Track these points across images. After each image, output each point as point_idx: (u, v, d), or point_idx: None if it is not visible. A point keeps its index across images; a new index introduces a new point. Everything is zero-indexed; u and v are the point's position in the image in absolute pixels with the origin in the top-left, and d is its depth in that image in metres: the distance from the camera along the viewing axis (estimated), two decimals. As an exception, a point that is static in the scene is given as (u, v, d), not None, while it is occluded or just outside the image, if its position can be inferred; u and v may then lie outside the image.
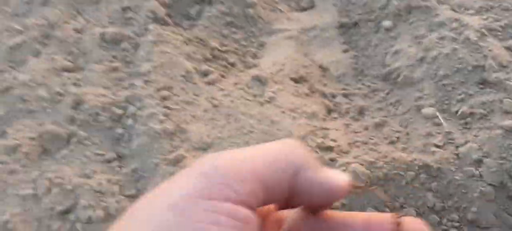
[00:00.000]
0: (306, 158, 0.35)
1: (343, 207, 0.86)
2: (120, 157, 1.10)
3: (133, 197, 1.01)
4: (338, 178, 0.35)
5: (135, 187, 1.03)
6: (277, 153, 0.34)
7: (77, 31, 1.45)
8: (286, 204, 0.37)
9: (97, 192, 1.00)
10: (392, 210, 0.35)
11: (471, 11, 1.24)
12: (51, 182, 1.04)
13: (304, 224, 0.37)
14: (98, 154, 1.11)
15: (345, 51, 1.40)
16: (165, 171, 1.02)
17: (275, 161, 0.33)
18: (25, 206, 1.02)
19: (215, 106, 1.17)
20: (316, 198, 0.35)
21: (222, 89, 1.23)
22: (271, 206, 0.38)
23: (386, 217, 0.36)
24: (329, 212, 0.38)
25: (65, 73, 1.30)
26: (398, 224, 0.34)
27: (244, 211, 0.31)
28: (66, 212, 0.99)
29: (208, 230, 0.30)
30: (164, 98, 1.18)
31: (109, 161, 1.09)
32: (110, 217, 0.98)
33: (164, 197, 0.32)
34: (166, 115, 1.12)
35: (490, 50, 1.07)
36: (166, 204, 0.31)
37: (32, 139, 1.15)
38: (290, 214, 0.38)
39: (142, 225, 0.31)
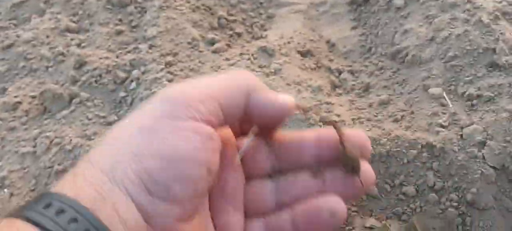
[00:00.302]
0: (256, 83, 0.39)
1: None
2: (121, 120, 1.09)
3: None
4: (285, 98, 0.39)
5: (135, 151, 1.02)
6: (231, 78, 0.38)
7: (83, -8, 1.43)
8: (242, 128, 0.42)
9: (96, 153, 1.00)
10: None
11: (485, -7, 1.21)
12: (51, 141, 1.03)
13: (260, 145, 0.42)
14: (100, 116, 1.10)
15: (354, 28, 1.38)
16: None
17: (229, 85, 0.37)
18: (24, 164, 1.01)
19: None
20: (267, 116, 0.39)
21: (227, 59, 1.21)
22: (230, 134, 0.41)
23: (333, 131, 0.40)
24: (281, 134, 0.42)
25: (69, 34, 1.29)
26: (341, 137, 0.39)
27: (207, 128, 0.35)
28: (65, 171, 0.98)
29: (176, 146, 0.33)
30: (169, 64, 1.17)
31: (110, 124, 1.09)
32: (108, 178, 0.98)
33: (133, 122, 0.35)
34: (170, 81, 1.11)
35: (502, 33, 1.04)
36: (136, 128, 0.34)
37: (33, 97, 1.14)
38: (246, 139, 0.42)
39: (115, 148, 0.34)
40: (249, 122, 0.41)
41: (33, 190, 0.98)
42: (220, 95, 0.36)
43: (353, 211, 0.84)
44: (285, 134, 0.42)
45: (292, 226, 0.39)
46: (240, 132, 0.43)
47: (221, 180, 0.40)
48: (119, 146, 0.34)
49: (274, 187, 0.42)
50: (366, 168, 0.40)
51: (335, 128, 0.40)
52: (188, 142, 0.34)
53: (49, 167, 1.00)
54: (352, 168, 0.39)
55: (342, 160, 0.39)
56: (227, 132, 0.41)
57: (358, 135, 0.40)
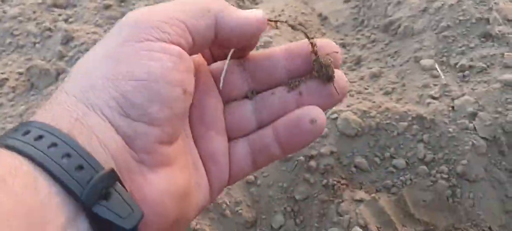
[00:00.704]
0: (224, 3, 0.38)
1: (332, 154, 0.85)
2: (109, 96, 1.08)
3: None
4: (256, 13, 0.39)
5: (123, 126, 1.01)
6: (197, 0, 0.37)
7: (70, -34, 1.40)
8: (213, 55, 0.42)
9: (84, 129, 0.99)
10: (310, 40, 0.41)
11: (479, -38, 1.18)
12: (38, 117, 1.02)
13: (233, 67, 0.42)
14: (87, 92, 1.08)
15: (347, 1, 1.36)
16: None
17: (195, 6, 0.36)
18: (11, 140, 1.00)
19: (208, 49, 1.14)
20: (239, 36, 0.38)
21: (217, 33, 1.19)
22: (201, 60, 0.41)
23: (303, 42, 0.40)
24: (254, 53, 0.42)
25: (56, 9, 1.27)
26: (313, 45, 0.39)
27: (177, 48, 0.34)
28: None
29: (147, 67, 0.33)
30: (157, 38, 1.15)
31: (97, 99, 1.07)
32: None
33: (102, 48, 0.34)
34: (157, 55, 1.09)
35: (495, 3, 1.02)
36: (104, 53, 0.34)
37: (20, 73, 1.12)
38: (221, 64, 0.41)
39: (87, 75, 0.33)
40: (220, 46, 0.40)
41: (20, 167, 0.97)
42: (187, 17, 0.35)
43: (342, 184, 0.83)
44: (256, 53, 0.42)
45: (276, 140, 0.40)
46: (212, 59, 0.43)
47: (199, 106, 0.39)
48: (91, 72, 0.33)
49: (253, 107, 0.42)
50: (339, 75, 0.40)
51: (306, 36, 0.40)
52: (159, 62, 0.33)
53: (36, 144, 0.98)
54: (326, 76, 0.39)
55: (316, 69, 0.39)
56: (198, 57, 0.41)
57: (328, 44, 0.40)
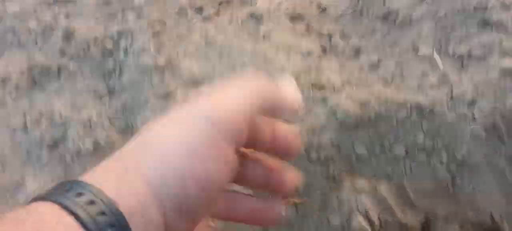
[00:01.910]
0: (269, 89, 0.41)
1: (332, 144, 0.85)
2: (110, 91, 1.09)
3: (123, 131, 1.01)
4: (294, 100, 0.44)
5: (125, 121, 1.02)
6: (254, 95, 0.39)
7: (69, -38, 1.40)
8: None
9: (86, 125, 1.00)
10: None
11: (477, -51, 1.18)
12: (41, 114, 1.03)
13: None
14: (89, 88, 1.09)
15: (346, -10, 1.35)
16: (155, 106, 1.01)
17: (254, 100, 0.39)
18: (15, 138, 1.01)
19: (208, 43, 1.14)
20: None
21: (216, 26, 1.20)
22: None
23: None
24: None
25: (56, 6, 1.27)
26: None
27: (234, 156, 0.37)
28: (55, 144, 0.98)
29: (214, 171, 0.35)
30: (157, 33, 1.15)
31: (99, 95, 1.08)
32: (99, 150, 0.98)
33: (178, 135, 0.35)
34: (158, 50, 1.10)
35: (494, -10, 1.02)
36: (181, 144, 0.35)
37: (22, 71, 1.13)
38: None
39: (164, 161, 0.34)
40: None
41: (25, 165, 0.98)
42: (248, 113, 0.38)
43: (342, 174, 0.84)
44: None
45: None
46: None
47: None
48: (166, 159, 0.34)
49: None
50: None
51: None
52: (222, 168, 0.36)
53: (40, 140, 0.99)
54: None
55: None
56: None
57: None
